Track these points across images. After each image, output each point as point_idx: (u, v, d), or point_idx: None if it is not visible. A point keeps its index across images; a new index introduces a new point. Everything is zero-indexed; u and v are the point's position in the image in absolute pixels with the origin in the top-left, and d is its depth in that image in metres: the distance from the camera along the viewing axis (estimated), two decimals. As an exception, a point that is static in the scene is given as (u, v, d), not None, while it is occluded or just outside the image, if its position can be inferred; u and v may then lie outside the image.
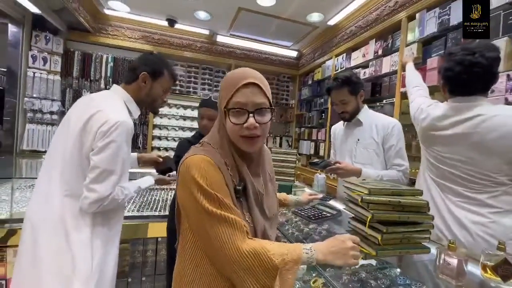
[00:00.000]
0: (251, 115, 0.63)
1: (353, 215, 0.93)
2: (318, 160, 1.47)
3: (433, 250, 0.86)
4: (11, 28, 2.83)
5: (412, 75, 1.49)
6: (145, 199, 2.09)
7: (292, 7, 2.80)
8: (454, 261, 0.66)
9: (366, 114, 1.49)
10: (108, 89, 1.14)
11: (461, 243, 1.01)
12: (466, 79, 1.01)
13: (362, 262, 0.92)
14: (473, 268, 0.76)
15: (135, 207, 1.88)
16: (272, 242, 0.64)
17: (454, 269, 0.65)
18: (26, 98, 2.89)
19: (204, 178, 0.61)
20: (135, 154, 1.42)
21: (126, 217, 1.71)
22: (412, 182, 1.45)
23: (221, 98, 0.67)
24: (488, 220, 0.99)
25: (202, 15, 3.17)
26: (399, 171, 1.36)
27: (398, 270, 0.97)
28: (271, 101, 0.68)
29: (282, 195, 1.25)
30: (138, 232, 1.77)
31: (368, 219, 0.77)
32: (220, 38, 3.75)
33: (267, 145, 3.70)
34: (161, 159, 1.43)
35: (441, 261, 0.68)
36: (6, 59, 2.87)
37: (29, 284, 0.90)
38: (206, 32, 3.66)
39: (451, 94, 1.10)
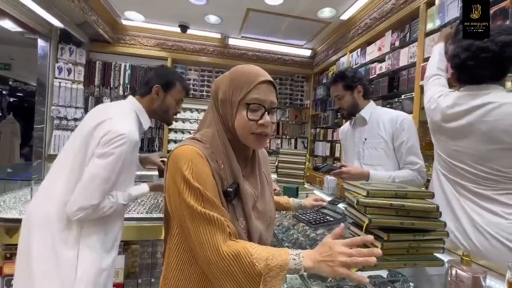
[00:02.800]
0: (266, 112, 0.63)
1: (353, 220, 0.83)
2: (321, 164, 1.38)
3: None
4: (40, 43, 3.09)
5: (436, 60, 1.27)
6: (155, 201, 2.12)
7: (301, 4, 2.72)
8: (468, 278, 0.54)
9: (371, 110, 1.36)
10: (126, 96, 1.18)
11: (479, 252, 0.88)
12: (473, 66, 0.91)
13: (361, 273, 0.82)
14: (496, 285, 0.63)
15: (144, 209, 1.91)
16: (257, 245, 0.57)
17: (469, 288, 0.54)
18: (53, 106, 3.13)
19: (190, 169, 0.57)
20: (138, 155, 1.44)
21: (136, 219, 1.74)
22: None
23: (233, 92, 0.64)
24: (506, 221, 0.86)
25: (212, 19, 3.20)
26: (414, 170, 1.22)
27: (412, 284, 0.85)
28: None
29: (284, 199, 1.18)
30: (148, 234, 1.79)
31: (365, 224, 0.68)
32: (232, 41, 3.76)
33: (281, 147, 3.61)
34: (164, 166, 1.42)
35: (452, 277, 0.57)
36: (36, 71, 3.14)
37: (23, 282, 0.92)
38: (218, 35, 3.69)
39: (460, 83, 1.01)
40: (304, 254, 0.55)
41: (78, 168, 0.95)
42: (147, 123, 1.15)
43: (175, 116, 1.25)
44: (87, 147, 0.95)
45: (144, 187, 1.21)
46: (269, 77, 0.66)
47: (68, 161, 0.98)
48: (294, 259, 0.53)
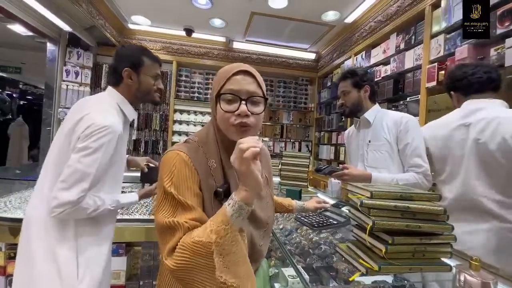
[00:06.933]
0: (243, 102, 0.59)
1: (356, 223, 0.81)
2: (322, 165, 1.36)
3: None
4: (49, 47, 3.16)
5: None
6: (157, 202, 2.12)
7: (305, 7, 2.73)
8: (477, 284, 0.52)
9: (376, 113, 1.33)
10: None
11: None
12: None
13: (366, 278, 0.79)
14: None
15: (147, 210, 1.91)
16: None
17: (478, 294, 0.51)
18: (60, 109, 3.18)
19: (171, 174, 0.57)
20: (126, 156, 1.36)
21: (139, 221, 1.74)
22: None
23: (213, 90, 0.64)
24: None
25: (217, 22, 3.24)
26: (418, 173, 1.18)
27: (418, 290, 0.82)
28: (264, 92, 0.64)
29: (287, 201, 1.16)
30: (150, 236, 1.78)
31: (369, 226, 0.66)
32: (236, 45, 3.79)
33: (285, 150, 3.57)
34: (146, 169, 1.37)
35: (460, 283, 0.54)
36: (45, 74, 3.21)
37: (22, 282, 0.92)
38: (223, 39, 3.72)
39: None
40: (236, 192, 0.53)
41: (62, 166, 0.91)
42: (132, 114, 1.07)
43: (159, 94, 1.13)
44: (69, 143, 0.92)
45: (134, 196, 1.15)
46: (246, 68, 0.62)
47: (53, 160, 0.95)
48: (229, 204, 0.52)
